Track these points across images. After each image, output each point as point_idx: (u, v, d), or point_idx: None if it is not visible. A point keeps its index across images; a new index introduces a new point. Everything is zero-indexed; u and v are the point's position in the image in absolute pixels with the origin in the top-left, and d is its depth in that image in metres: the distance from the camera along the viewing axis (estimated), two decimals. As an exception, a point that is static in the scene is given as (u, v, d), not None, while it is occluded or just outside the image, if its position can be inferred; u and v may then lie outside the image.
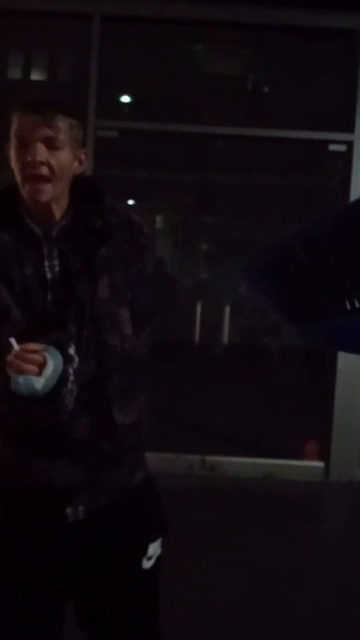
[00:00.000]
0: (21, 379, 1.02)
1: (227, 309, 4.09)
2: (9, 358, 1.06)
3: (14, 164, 1.20)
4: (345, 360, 3.85)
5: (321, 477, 3.92)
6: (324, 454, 3.95)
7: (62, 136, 1.18)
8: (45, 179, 1.17)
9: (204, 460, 3.94)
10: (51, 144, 1.18)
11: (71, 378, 1.10)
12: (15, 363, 1.04)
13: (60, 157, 1.19)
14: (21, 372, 1.03)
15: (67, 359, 1.10)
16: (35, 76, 4.48)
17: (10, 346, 1.06)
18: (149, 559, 1.28)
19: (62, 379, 1.07)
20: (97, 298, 1.18)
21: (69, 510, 1.20)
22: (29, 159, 1.16)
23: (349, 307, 0.84)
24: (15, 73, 4.37)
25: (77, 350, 1.13)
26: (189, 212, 4.60)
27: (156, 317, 1.29)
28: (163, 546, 1.32)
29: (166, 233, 4.78)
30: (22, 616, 1.24)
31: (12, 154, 1.20)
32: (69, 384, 1.09)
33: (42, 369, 1.04)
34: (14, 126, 1.20)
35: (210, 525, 3.13)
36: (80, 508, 1.20)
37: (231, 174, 4.34)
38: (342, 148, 3.91)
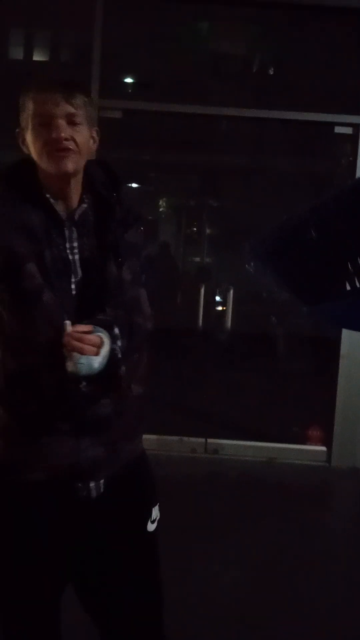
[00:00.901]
0: (84, 359, 1.07)
1: (232, 294, 4.07)
2: (66, 339, 1.09)
3: (33, 144, 1.20)
4: (348, 345, 3.84)
5: (323, 462, 3.93)
6: (326, 439, 3.95)
7: (81, 112, 1.20)
8: (70, 150, 1.18)
9: (207, 443, 3.95)
10: (72, 121, 1.19)
11: (119, 355, 1.16)
12: (76, 344, 1.08)
13: (82, 133, 1.20)
14: (83, 352, 1.07)
15: (114, 338, 1.15)
16: (37, 56, 4.42)
17: (60, 328, 1.10)
18: (153, 521, 1.33)
19: (112, 357, 1.13)
20: (122, 280, 1.23)
21: (92, 485, 1.22)
22: (54, 135, 1.17)
23: (358, 286, 0.82)
24: (17, 53, 4.31)
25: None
26: (193, 195, 4.56)
27: (156, 300, 1.34)
28: (165, 517, 1.36)
29: (170, 216, 4.74)
30: (23, 596, 1.25)
31: (30, 135, 1.20)
32: (119, 360, 1.16)
33: (99, 349, 1.09)
34: (31, 106, 1.19)
35: (212, 508, 3.14)
36: (102, 482, 1.23)
37: (236, 156, 4.29)
38: (348, 130, 3.86)
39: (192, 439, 3.94)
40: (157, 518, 1.35)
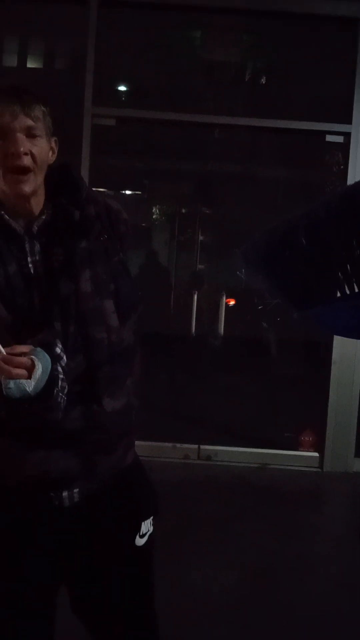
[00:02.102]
0: (12, 384, 1.04)
1: (224, 300, 4.09)
2: None
3: None
4: (340, 351, 3.87)
5: (316, 467, 3.94)
6: (318, 445, 3.97)
7: (39, 124, 1.17)
8: (28, 170, 1.15)
9: (200, 449, 3.96)
10: (31, 134, 1.16)
11: (61, 376, 1.11)
12: (4, 368, 1.05)
13: (41, 146, 1.18)
14: (11, 377, 1.05)
15: (54, 358, 1.11)
16: (31, 64, 4.44)
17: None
18: (142, 536, 1.30)
19: (52, 378, 1.09)
20: (80, 293, 1.17)
21: (65, 494, 1.20)
22: (12, 150, 1.14)
23: (348, 292, 0.83)
24: (10, 60, 4.32)
25: (64, 347, 1.14)
26: (186, 202, 4.59)
27: (139, 306, 1.28)
28: (155, 524, 1.33)
29: (163, 223, 4.76)
30: (16, 605, 1.24)
31: None
32: (59, 382, 1.11)
33: (32, 372, 1.06)
34: None
35: (206, 514, 3.14)
36: (76, 491, 1.21)
37: (229, 164, 4.32)
38: (339, 139, 3.90)
39: (185, 445, 3.95)
40: (149, 532, 1.31)
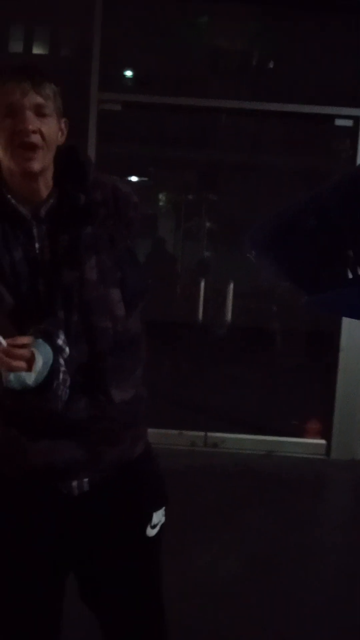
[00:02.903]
0: (12, 376, 1.04)
1: (231, 288, 4.07)
2: None
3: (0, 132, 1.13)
4: (347, 338, 3.85)
5: (322, 454, 3.94)
6: (325, 432, 3.97)
7: (49, 103, 1.15)
8: (37, 147, 1.13)
9: (206, 436, 3.96)
10: (40, 112, 1.14)
11: (62, 368, 1.09)
12: (5, 361, 1.03)
13: (50, 125, 1.15)
14: (11, 369, 1.03)
15: (56, 350, 1.09)
16: (37, 50, 4.41)
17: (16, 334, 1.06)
18: (154, 527, 1.29)
19: (52, 370, 1.07)
20: (85, 281, 1.15)
21: (74, 484, 1.20)
22: (20, 126, 1.11)
23: (350, 276, 0.82)
24: (16, 47, 4.29)
25: (67, 336, 1.12)
26: (192, 189, 4.56)
27: (147, 294, 1.25)
28: (166, 515, 1.33)
29: (169, 211, 4.73)
30: (25, 594, 1.25)
31: None
32: (60, 375, 1.09)
33: (32, 364, 1.04)
34: None
35: (212, 501, 3.15)
36: (85, 480, 1.21)
37: (236, 151, 4.28)
38: (349, 123, 3.86)
39: (192, 433, 3.95)
40: (160, 523, 1.31)
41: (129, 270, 1.20)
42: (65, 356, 1.10)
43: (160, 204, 4.74)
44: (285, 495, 3.31)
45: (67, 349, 1.11)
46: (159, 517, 1.30)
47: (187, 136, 4.19)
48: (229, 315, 4.10)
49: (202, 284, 4.11)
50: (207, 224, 4.50)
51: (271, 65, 4.28)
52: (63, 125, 1.20)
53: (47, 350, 1.07)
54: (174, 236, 4.61)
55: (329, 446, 3.93)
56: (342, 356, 3.87)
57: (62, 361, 1.09)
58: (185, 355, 4.34)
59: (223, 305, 4.13)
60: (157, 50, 3.98)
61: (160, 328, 3.88)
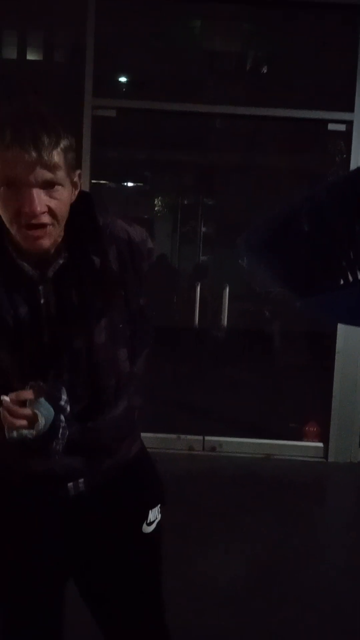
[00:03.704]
0: (14, 433, 1.06)
1: (227, 292, 4.08)
2: (1, 411, 1.05)
3: (1, 208, 1.03)
4: (344, 341, 3.85)
5: (320, 457, 3.94)
6: (323, 435, 3.97)
7: (60, 174, 1.02)
8: (47, 225, 1.04)
9: (204, 440, 3.96)
10: (49, 186, 1.02)
11: (62, 424, 1.11)
12: (8, 419, 1.05)
13: (61, 199, 1.04)
14: (13, 428, 1.06)
15: (58, 410, 1.10)
16: (31, 55, 4.41)
17: (11, 389, 1.07)
18: (150, 524, 1.30)
19: (53, 427, 1.09)
20: (93, 344, 1.12)
21: (70, 485, 1.21)
22: (27, 209, 1.00)
23: (351, 279, 0.82)
24: (10, 53, 4.30)
25: (71, 395, 1.12)
26: (188, 193, 4.57)
27: (152, 340, 1.23)
28: (162, 512, 1.34)
29: (165, 215, 4.74)
30: (26, 595, 1.25)
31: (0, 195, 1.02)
32: (60, 431, 1.10)
33: (34, 423, 1.06)
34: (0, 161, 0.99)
35: (211, 505, 3.15)
36: (81, 481, 1.22)
37: (231, 154, 4.30)
38: (341, 127, 3.87)
39: (190, 437, 3.95)
40: (157, 520, 1.31)
41: (139, 327, 1.18)
42: (67, 414, 1.11)
43: (156, 208, 4.74)
44: (284, 498, 3.31)
45: (69, 408, 1.12)
46: (155, 514, 1.31)
47: (182, 140, 4.20)
48: (225, 319, 4.10)
49: (199, 288, 4.12)
50: (204, 228, 4.50)
51: (265, 70, 4.30)
52: (76, 179, 1.09)
53: (50, 410, 1.09)
54: (170, 240, 4.62)
55: (326, 449, 3.93)
56: (339, 359, 3.87)
57: (62, 419, 1.10)
58: (183, 359, 4.33)
59: (220, 309, 4.13)
60: (151, 54, 3.99)
61: (157, 332, 3.86)
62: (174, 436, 3.93)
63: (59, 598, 1.30)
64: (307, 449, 3.97)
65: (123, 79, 4.27)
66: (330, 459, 3.91)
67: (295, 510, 3.19)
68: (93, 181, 3.82)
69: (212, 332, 4.28)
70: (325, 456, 3.93)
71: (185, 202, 4.60)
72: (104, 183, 4.24)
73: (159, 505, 1.33)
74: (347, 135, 3.84)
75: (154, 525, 1.31)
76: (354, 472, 3.81)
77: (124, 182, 4.48)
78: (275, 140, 4.21)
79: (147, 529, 1.30)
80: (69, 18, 3.91)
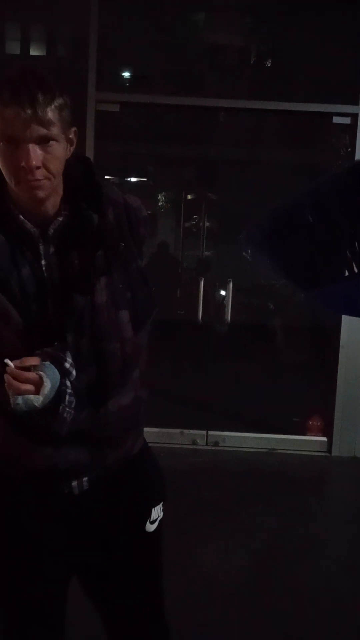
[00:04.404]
0: (20, 399, 1.04)
1: (231, 286, 4.07)
2: (6, 377, 1.04)
3: (1, 160, 1.08)
4: (348, 335, 3.85)
5: (324, 451, 3.94)
6: (326, 429, 3.97)
7: (55, 130, 1.07)
8: (43, 180, 1.08)
9: (208, 435, 3.97)
10: (44, 141, 1.06)
11: (69, 390, 1.10)
12: (13, 384, 1.04)
13: (55, 154, 1.08)
14: (19, 392, 1.04)
15: (63, 373, 1.09)
16: (34, 50, 4.40)
17: (25, 354, 1.06)
18: (153, 522, 1.30)
19: (59, 393, 1.08)
20: (95, 304, 1.12)
21: (74, 483, 1.21)
22: (23, 164, 1.05)
23: (356, 270, 0.82)
24: (14, 47, 4.29)
25: (76, 360, 1.11)
26: (192, 188, 4.56)
27: (155, 311, 1.23)
28: (164, 510, 1.34)
29: (169, 210, 4.73)
30: (28, 593, 1.25)
31: None
32: (67, 397, 1.09)
33: (39, 388, 1.04)
34: None
35: (214, 500, 3.16)
36: (85, 479, 1.21)
37: (235, 148, 4.28)
38: (346, 120, 3.86)
39: (193, 431, 3.96)
40: (159, 518, 1.31)
41: (140, 291, 1.18)
42: (72, 379, 1.10)
43: (160, 203, 4.74)
44: (287, 493, 3.31)
45: (74, 372, 1.11)
46: (157, 512, 1.31)
47: (185, 134, 4.19)
48: (229, 313, 4.10)
49: (202, 282, 4.12)
50: (207, 223, 4.50)
51: (269, 63, 4.28)
52: (72, 135, 1.13)
53: (55, 373, 1.07)
54: (174, 234, 4.61)
55: (330, 443, 3.93)
56: (343, 353, 3.87)
57: (68, 384, 1.10)
58: (186, 353, 4.34)
59: (223, 303, 4.13)
60: (153, 48, 3.98)
61: (160, 327, 3.86)
62: (177, 431, 3.93)
63: (61, 596, 1.30)
64: (310, 444, 3.97)
65: (126, 74, 4.26)
66: (334, 453, 3.91)
67: (299, 504, 3.19)
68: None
69: (216, 326, 4.28)
70: (329, 450, 3.93)
71: (189, 197, 4.60)
72: (107, 178, 4.24)
73: (162, 503, 1.32)
74: (352, 128, 3.82)
75: (156, 524, 1.31)
76: (357, 467, 3.81)
77: (128, 177, 4.47)
78: (279, 133, 4.20)
79: (150, 528, 1.29)
80: (71, 12, 3.90)
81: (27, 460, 1.18)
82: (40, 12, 3.97)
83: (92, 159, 3.59)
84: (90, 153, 3.70)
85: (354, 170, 0.78)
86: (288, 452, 3.89)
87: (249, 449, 3.89)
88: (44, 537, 1.23)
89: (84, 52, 3.76)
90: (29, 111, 1.03)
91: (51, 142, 1.07)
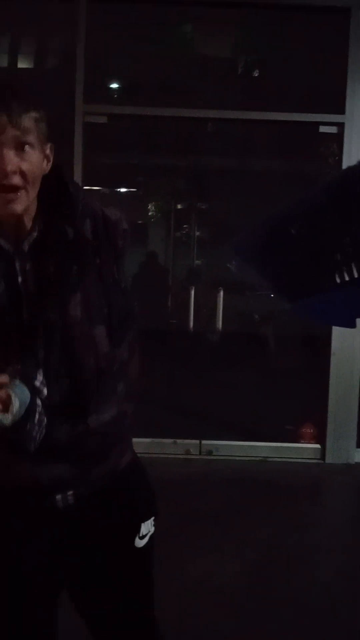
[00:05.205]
0: None
1: (222, 295, 4.08)
2: None
3: None
4: (339, 343, 3.86)
5: (317, 459, 3.95)
6: (320, 437, 3.97)
7: (31, 137, 1.06)
8: (18, 188, 1.06)
9: (201, 444, 3.96)
10: (20, 147, 1.05)
11: (39, 409, 1.08)
12: None
13: (32, 161, 1.07)
14: None
15: (33, 392, 1.07)
16: (22, 63, 4.42)
17: None
18: (142, 537, 1.28)
19: (28, 411, 1.06)
20: (69, 318, 1.10)
21: (58, 497, 1.19)
22: None
23: (338, 281, 0.83)
24: (0, 60, 4.30)
25: (47, 375, 1.10)
26: (182, 198, 4.58)
27: (135, 324, 1.21)
28: (155, 525, 1.32)
29: (159, 220, 4.75)
30: (18, 609, 1.24)
31: None
32: (36, 416, 1.07)
33: (8, 406, 1.03)
34: None
35: (208, 509, 3.14)
36: (70, 493, 1.20)
37: (223, 158, 4.31)
38: (333, 130, 3.90)
39: (187, 441, 3.95)
40: (150, 533, 1.29)
41: (116, 305, 1.16)
42: (43, 397, 1.08)
43: (150, 213, 4.75)
44: (281, 501, 3.31)
45: (45, 390, 1.09)
46: (147, 527, 1.29)
47: (174, 145, 4.21)
48: (220, 322, 4.11)
49: (193, 292, 4.13)
50: (197, 232, 4.52)
51: (256, 74, 4.32)
52: (48, 152, 1.12)
53: (25, 391, 1.06)
54: (164, 244, 4.62)
55: (323, 450, 3.94)
56: (334, 360, 3.88)
57: (39, 402, 1.08)
58: (178, 362, 4.34)
59: (214, 312, 4.14)
60: (141, 59, 4.01)
61: (152, 336, 3.88)
62: (170, 441, 3.92)
63: (51, 611, 1.28)
64: (303, 451, 3.97)
65: (114, 85, 4.28)
66: (327, 460, 3.91)
67: (293, 512, 3.19)
68: (86, 187, 3.82)
69: (207, 335, 4.29)
70: (322, 458, 3.93)
71: (179, 207, 4.61)
72: (96, 189, 4.25)
73: (152, 518, 1.30)
74: (339, 138, 3.86)
75: (146, 539, 1.29)
76: (350, 474, 3.81)
77: (117, 187, 4.49)
78: (268, 143, 4.23)
79: (140, 543, 1.27)
80: (59, 25, 3.92)
81: (9, 475, 1.16)
82: (27, 24, 3.99)
83: (80, 170, 3.59)
84: (78, 164, 3.72)
85: (341, 180, 0.79)
86: (281, 460, 3.89)
87: (242, 458, 3.89)
88: (28, 551, 1.21)
89: (72, 65, 3.78)
90: (4, 117, 1.04)
91: (27, 149, 1.06)
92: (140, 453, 1.36)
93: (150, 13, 3.90)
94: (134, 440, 1.33)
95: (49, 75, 4.27)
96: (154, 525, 1.31)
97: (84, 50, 3.74)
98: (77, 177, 3.65)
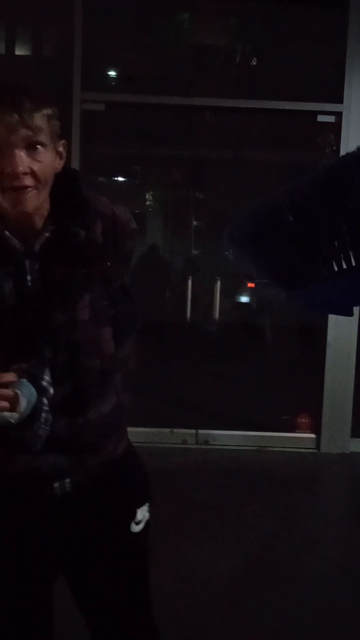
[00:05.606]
0: None
1: (219, 285, 4.08)
2: None
3: None
4: (334, 333, 3.88)
5: (313, 448, 3.97)
6: (315, 426, 3.99)
7: (42, 136, 1.05)
8: (29, 188, 1.05)
9: (197, 434, 3.98)
10: (32, 147, 1.04)
11: (45, 408, 1.08)
12: None
13: (43, 161, 1.06)
14: None
15: (40, 391, 1.07)
16: (19, 50, 4.38)
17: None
18: (138, 523, 1.30)
19: (35, 410, 1.06)
20: (76, 321, 1.11)
21: (56, 485, 1.20)
22: (9, 169, 1.03)
23: (335, 269, 0.83)
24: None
25: (53, 374, 1.10)
26: (179, 187, 4.56)
27: (138, 327, 1.22)
28: (150, 512, 1.33)
29: (157, 210, 4.73)
30: (14, 596, 1.25)
31: None
32: (43, 415, 1.08)
33: (15, 405, 1.03)
34: None
35: (205, 498, 3.16)
36: (67, 481, 1.21)
37: (221, 148, 4.29)
38: (331, 119, 3.88)
39: (183, 430, 3.97)
40: (145, 519, 1.30)
41: (122, 308, 1.17)
42: (49, 396, 1.09)
43: (148, 202, 4.73)
44: (277, 490, 3.33)
45: (52, 389, 1.10)
46: (142, 513, 1.30)
47: (172, 134, 4.19)
48: (217, 313, 4.11)
49: (190, 282, 4.12)
50: (195, 222, 4.50)
51: (254, 62, 4.29)
52: (61, 149, 1.12)
53: (31, 391, 1.06)
54: (162, 234, 4.61)
55: (318, 440, 3.96)
56: (330, 350, 3.90)
57: (45, 401, 1.08)
58: (175, 353, 4.34)
59: (211, 303, 4.14)
60: (139, 48, 3.98)
61: (149, 326, 3.87)
62: (167, 430, 3.94)
63: (47, 597, 1.30)
64: (299, 441, 3.99)
65: (111, 73, 4.25)
66: (323, 450, 3.93)
67: (288, 501, 3.21)
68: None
69: (204, 325, 4.29)
70: (318, 447, 3.96)
71: (177, 196, 4.59)
72: (94, 178, 4.23)
73: (147, 504, 1.32)
74: (337, 127, 3.85)
75: (142, 525, 1.30)
76: (346, 463, 3.83)
77: (115, 176, 4.46)
78: (265, 133, 4.21)
79: (136, 528, 1.29)
80: (56, 12, 3.88)
81: (7, 464, 1.17)
82: (25, 12, 3.95)
83: (78, 159, 3.58)
84: (76, 153, 3.70)
85: (329, 171, 0.79)
86: (277, 449, 3.91)
87: (238, 447, 3.91)
88: (26, 537, 1.22)
89: (69, 52, 3.75)
90: (15, 116, 1.02)
91: (39, 148, 1.05)
92: (138, 442, 1.37)
93: (148, 1, 3.87)
94: (132, 429, 1.34)
95: (46, 63, 4.24)
96: (148, 511, 1.32)
97: (81, 37, 3.71)
98: (75, 165, 3.63)
